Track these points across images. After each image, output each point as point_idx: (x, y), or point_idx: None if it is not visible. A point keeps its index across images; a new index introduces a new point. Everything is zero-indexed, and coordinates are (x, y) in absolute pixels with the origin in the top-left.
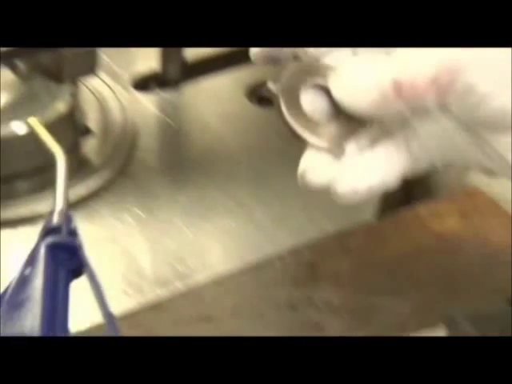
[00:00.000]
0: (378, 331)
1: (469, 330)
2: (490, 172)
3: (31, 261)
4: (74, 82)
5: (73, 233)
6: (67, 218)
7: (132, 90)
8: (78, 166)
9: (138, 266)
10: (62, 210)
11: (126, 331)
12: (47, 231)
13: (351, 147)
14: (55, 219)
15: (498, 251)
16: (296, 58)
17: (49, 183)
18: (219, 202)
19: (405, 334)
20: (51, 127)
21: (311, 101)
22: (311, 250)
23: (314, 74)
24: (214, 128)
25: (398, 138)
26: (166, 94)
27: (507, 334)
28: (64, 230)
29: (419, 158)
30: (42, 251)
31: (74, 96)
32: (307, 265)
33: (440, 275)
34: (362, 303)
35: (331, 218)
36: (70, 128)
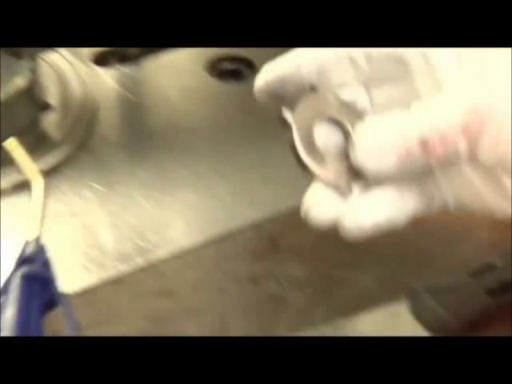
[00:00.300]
0: (339, 304)
1: (430, 303)
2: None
3: (5, 290)
4: (33, 57)
5: (46, 264)
6: (40, 248)
7: (92, 64)
8: (38, 142)
9: (99, 241)
10: (37, 238)
11: (86, 307)
12: (22, 260)
13: (359, 186)
14: (31, 247)
15: (461, 225)
16: (313, 89)
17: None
18: (180, 176)
19: (367, 307)
20: (11, 103)
21: (324, 134)
22: (272, 224)
23: (329, 107)
24: (175, 102)
25: (411, 179)
26: (125, 69)
27: (468, 306)
28: (38, 260)
29: (433, 199)
30: (17, 281)
31: (34, 71)
32: (268, 238)
33: (402, 248)
34: (324, 276)
35: (292, 191)
36: (30, 103)
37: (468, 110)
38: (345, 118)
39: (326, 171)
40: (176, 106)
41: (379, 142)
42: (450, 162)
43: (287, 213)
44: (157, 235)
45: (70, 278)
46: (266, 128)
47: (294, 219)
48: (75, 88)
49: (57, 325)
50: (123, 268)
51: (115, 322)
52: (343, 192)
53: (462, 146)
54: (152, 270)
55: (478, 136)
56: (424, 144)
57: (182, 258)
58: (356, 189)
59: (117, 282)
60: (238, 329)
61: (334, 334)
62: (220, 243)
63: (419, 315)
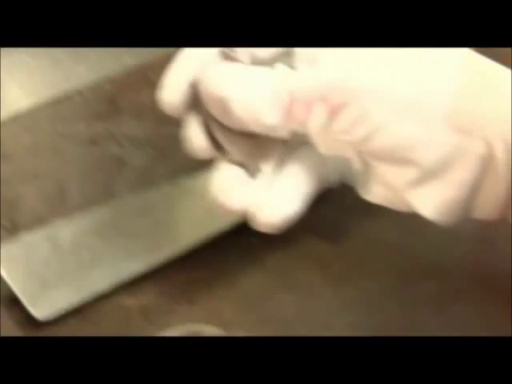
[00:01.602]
0: (180, 163)
1: None
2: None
3: None
4: None
5: None
6: None
7: None
8: None
9: None
10: None
11: None
12: None
13: (268, 165)
14: None
15: None
16: (225, 54)
17: None
18: None
19: (207, 165)
20: None
21: None
22: (112, 84)
23: None
24: None
25: (306, 160)
26: None
27: None
28: None
29: (328, 176)
30: None
31: None
32: (108, 99)
33: None
34: (164, 136)
35: (131, 50)
36: None
37: (333, 83)
38: None
39: (237, 150)
40: None
41: (254, 94)
42: (308, 128)
43: (126, 72)
44: None
45: None
46: None
47: (132, 79)
48: None
49: None
50: None
51: None
52: (252, 172)
53: (320, 114)
54: None
55: (338, 110)
56: (291, 103)
57: (18, 120)
58: (266, 168)
59: None
60: (76, 190)
61: (175, 193)
62: (57, 105)
63: None
